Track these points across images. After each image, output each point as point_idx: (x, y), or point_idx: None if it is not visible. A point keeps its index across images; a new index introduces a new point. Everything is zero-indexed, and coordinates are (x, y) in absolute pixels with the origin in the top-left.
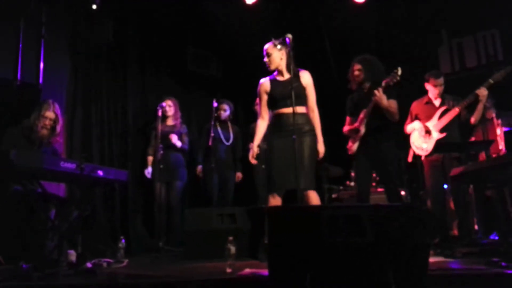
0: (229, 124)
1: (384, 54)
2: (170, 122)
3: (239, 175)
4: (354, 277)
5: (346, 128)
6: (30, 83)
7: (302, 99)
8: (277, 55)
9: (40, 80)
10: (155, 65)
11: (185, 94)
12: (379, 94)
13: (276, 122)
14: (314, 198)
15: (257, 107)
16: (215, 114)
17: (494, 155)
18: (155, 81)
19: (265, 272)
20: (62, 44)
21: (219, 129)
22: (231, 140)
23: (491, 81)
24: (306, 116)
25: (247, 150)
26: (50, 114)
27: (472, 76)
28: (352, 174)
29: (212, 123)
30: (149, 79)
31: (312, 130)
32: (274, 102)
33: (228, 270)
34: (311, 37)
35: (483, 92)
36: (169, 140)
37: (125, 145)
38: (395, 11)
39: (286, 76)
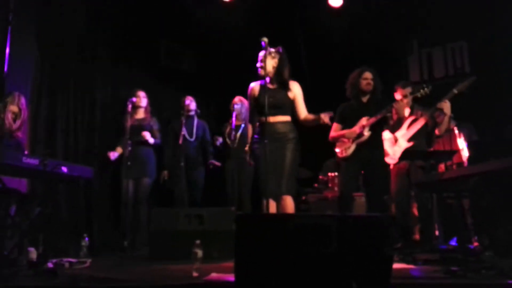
0: (195, 119)
1: (355, 61)
2: (140, 115)
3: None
4: (318, 286)
5: (334, 134)
6: None
7: (285, 109)
8: (269, 63)
9: (5, 68)
10: (127, 58)
11: (158, 88)
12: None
13: (261, 130)
14: (289, 203)
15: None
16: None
17: (454, 166)
18: (127, 74)
19: (231, 277)
20: (30, 33)
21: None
22: (194, 136)
23: (455, 91)
24: (291, 125)
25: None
26: (13, 108)
27: (440, 86)
28: (330, 175)
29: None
30: (120, 72)
31: (296, 138)
32: (260, 109)
33: (195, 274)
34: (285, 38)
35: (446, 105)
36: (139, 135)
37: (91, 139)
38: (368, 18)
39: (275, 85)
